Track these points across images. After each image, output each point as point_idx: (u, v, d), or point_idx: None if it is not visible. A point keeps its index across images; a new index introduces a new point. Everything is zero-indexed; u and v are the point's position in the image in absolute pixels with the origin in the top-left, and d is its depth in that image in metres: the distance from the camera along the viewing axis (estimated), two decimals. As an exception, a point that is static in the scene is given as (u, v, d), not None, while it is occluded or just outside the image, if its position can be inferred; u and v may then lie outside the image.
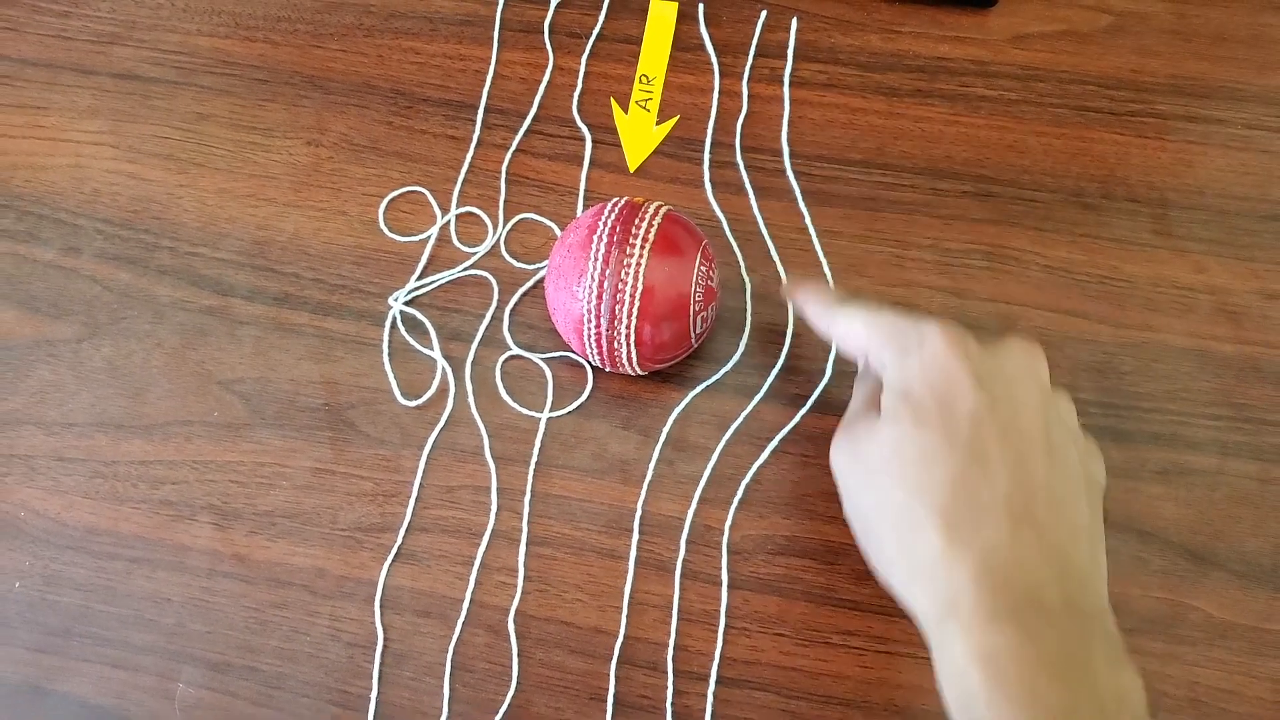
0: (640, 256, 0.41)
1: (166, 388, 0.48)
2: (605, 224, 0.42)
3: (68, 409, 0.48)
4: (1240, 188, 0.50)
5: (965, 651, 0.31)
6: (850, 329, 0.39)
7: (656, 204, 0.43)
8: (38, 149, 0.52)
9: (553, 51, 0.53)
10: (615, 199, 0.43)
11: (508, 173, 0.51)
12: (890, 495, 0.34)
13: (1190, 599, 0.44)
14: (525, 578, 0.45)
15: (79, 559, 0.45)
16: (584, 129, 0.52)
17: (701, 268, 0.42)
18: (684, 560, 0.45)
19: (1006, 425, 0.34)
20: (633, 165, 0.51)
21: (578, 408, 0.47)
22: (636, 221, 0.41)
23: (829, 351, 0.47)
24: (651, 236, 0.41)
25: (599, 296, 0.41)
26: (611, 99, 0.52)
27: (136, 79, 0.53)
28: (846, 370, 0.47)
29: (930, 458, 0.34)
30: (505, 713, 0.43)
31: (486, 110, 0.52)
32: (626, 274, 0.40)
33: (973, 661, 0.31)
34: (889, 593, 0.36)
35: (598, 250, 0.41)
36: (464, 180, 0.51)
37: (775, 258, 0.49)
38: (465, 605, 0.44)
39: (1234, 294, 0.48)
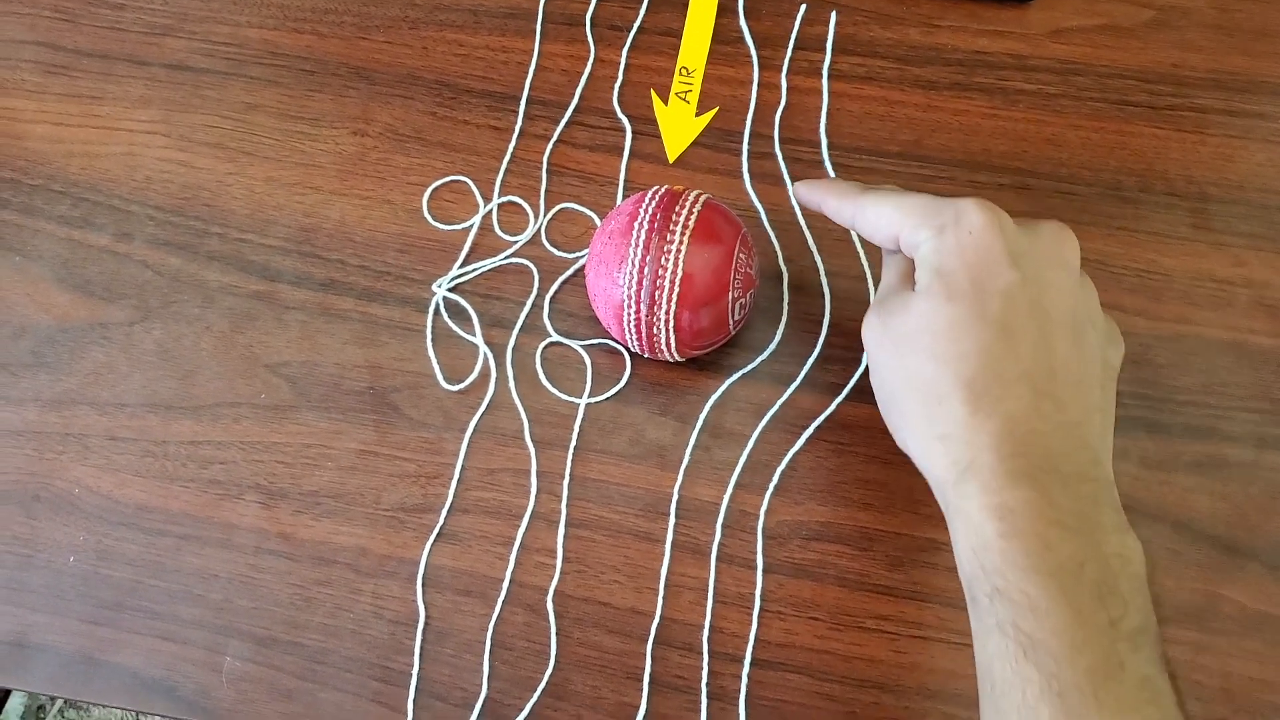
0: (680, 243, 0.41)
1: (215, 370, 0.49)
2: (646, 211, 0.42)
3: (120, 390, 0.49)
4: (1281, 182, 0.50)
5: (982, 506, 0.33)
6: (881, 213, 0.38)
7: (696, 192, 0.43)
8: (92, 137, 0.54)
9: (594, 44, 0.54)
10: (655, 187, 0.44)
11: (549, 163, 0.52)
12: (918, 366, 0.36)
13: (1224, 590, 0.44)
14: (564, 559, 0.45)
15: (130, 535, 0.47)
16: (624, 120, 0.52)
17: (740, 255, 0.43)
18: (720, 544, 0.45)
19: (1035, 304, 0.35)
20: (672, 156, 0.52)
21: (616, 394, 0.48)
22: (677, 209, 0.42)
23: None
24: (691, 224, 0.42)
25: (639, 283, 0.42)
26: (652, 91, 0.53)
27: (188, 70, 0.55)
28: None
29: (959, 330, 0.35)
30: (543, 690, 0.44)
31: (529, 101, 0.53)
32: (666, 260, 0.41)
33: (989, 516, 0.33)
34: (908, 456, 0.37)
35: (638, 237, 0.42)
36: (506, 170, 0.52)
37: (813, 247, 0.50)
38: (505, 585, 0.45)
39: (1273, 288, 0.48)
